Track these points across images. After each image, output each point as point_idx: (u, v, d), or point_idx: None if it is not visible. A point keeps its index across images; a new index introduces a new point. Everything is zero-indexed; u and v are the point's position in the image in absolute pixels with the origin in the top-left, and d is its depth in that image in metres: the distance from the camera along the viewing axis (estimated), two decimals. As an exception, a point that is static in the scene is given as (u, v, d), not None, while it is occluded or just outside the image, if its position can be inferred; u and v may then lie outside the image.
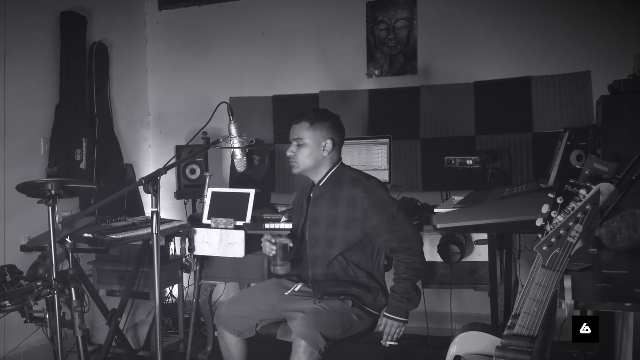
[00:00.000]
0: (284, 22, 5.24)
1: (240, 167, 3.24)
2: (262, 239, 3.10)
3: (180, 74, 5.61)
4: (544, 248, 1.88)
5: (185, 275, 4.42)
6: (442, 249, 3.48)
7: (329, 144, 3.02)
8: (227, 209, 3.74)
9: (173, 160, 3.04)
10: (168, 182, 5.06)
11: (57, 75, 4.55)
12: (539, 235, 1.91)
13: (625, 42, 4.23)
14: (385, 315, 2.91)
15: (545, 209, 1.91)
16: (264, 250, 3.08)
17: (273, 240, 3.00)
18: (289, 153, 3.05)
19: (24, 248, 3.42)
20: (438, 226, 2.96)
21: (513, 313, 2.00)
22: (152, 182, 2.61)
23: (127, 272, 4.02)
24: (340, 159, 3.12)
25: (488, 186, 3.86)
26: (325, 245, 3.03)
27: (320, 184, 3.09)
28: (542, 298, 1.88)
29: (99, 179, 4.71)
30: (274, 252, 3.01)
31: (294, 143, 3.03)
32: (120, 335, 3.90)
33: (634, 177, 2.53)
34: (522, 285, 2.08)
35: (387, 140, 4.21)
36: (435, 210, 3.27)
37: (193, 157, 4.69)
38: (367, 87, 5.04)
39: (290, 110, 5.05)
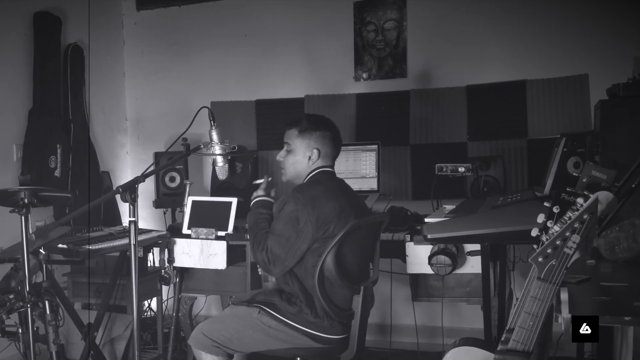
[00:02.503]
0: (268, 23, 5.21)
1: (221, 174, 3.24)
2: None
3: (159, 78, 5.57)
4: (540, 259, 1.87)
5: (165, 288, 4.37)
6: (432, 261, 3.42)
7: (314, 154, 2.95)
8: (208, 218, 3.73)
9: (152, 168, 3.01)
10: (146, 190, 4.98)
11: (31, 78, 4.54)
12: (535, 246, 1.89)
13: (624, 43, 4.21)
14: None
15: (541, 218, 1.90)
16: None
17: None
18: (278, 157, 3.05)
19: (-5, 259, 3.41)
20: (429, 236, 2.89)
21: (507, 327, 1.96)
22: (130, 191, 2.60)
23: (103, 284, 3.98)
24: (318, 167, 2.98)
25: (481, 195, 3.91)
26: None
27: None
28: (537, 312, 1.87)
29: (74, 187, 4.70)
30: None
31: (284, 147, 3.02)
32: (97, 351, 3.83)
33: (633, 186, 2.48)
34: (517, 299, 2.07)
35: (376, 146, 4.21)
36: (426, 219, 3.28)
37: (172, 164, 4.66)
38: (354, 91, 5.00)
39: (275, 116, 5.14)
